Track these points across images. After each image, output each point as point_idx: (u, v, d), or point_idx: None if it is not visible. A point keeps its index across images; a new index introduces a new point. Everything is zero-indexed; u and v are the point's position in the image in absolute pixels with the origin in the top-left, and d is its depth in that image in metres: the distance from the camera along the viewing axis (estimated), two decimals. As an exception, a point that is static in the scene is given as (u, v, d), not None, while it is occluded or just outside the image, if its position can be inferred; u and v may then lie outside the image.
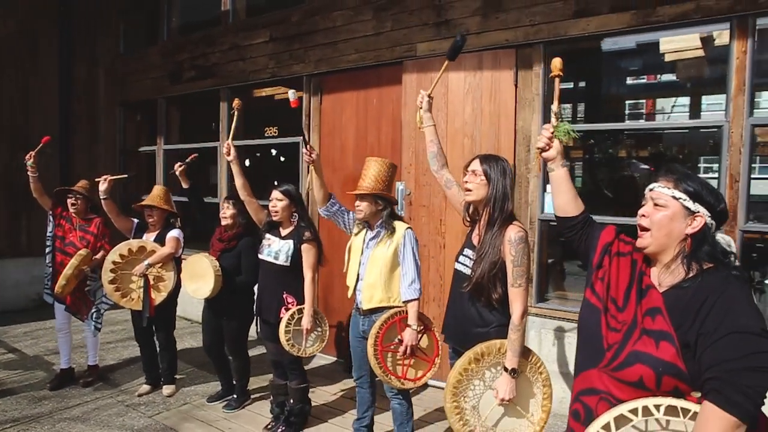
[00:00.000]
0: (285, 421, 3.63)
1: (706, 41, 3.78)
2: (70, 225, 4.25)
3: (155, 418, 3.81)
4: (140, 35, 7.10)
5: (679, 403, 1.41)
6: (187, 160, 3.99)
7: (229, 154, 3.61)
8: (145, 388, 4.24)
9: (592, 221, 1.87)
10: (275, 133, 5.68)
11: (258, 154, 6.05)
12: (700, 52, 4.21)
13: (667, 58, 4.65)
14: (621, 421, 1.45)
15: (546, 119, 3.94)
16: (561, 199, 1.87)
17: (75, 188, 4.25)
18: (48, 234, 4.30)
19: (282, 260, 3.43)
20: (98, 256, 4.20)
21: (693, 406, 1.40)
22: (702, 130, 6.00)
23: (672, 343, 1.44)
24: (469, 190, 2.40)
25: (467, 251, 2.46)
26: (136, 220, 4.24)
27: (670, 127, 6.12)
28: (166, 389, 4.23)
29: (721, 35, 3.57)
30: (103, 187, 3.98)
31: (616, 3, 3.53)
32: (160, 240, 4.07)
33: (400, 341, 2.92)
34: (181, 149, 6.58)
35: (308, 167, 5.04)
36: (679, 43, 4.12)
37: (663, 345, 1.45)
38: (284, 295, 3.46)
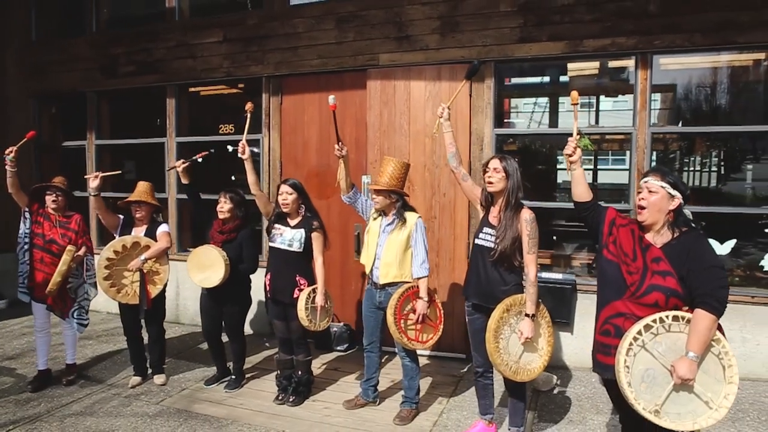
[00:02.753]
0: (294, 391, 4.06)
1: (616, 69, 4.93)
2: (50, 222, 4.18)
3: (162, 404, 4.00)
4: (56, 23, 6.70)
5: (679, 313, 2.28)
6: (195, 158, 4.19)
7: (243, 153, 3.92)
8: (136, 379, 4.35)
9: (599, 205, 2.70)
10: (231, 130, 5.86)
11: (212, 150, 6.15)
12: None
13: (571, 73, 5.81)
14: (646, 328, 2.28)
15: (495, 123, 4.80)
16: (579, 189, 2.68)
17: (55, 184, 4.19)
18: (24, 231, 4.16)
19: (296, 247, 3.86)
20: (80, 252, 4.20)
21: (686, 315, 2.27)
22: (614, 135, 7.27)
23: (674, 277, 2.30)
24: (492, 183, 3.12)
25: (486, 229, 3.18)
26: (122, 216, 4.31)
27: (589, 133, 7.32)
28: (158, 378, 4.38)
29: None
30: (94, 183, 4.02)
31: (553, 33, 4.49)
32: (150, 235, 4.21)
33: (413, 310, 3.56)
34: (118, 144, 6.44)
35: (270, 164, 5.44)
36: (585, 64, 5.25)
37: (668, 279, 2.31)
38: (297, 278, 3.89)
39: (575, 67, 5.45)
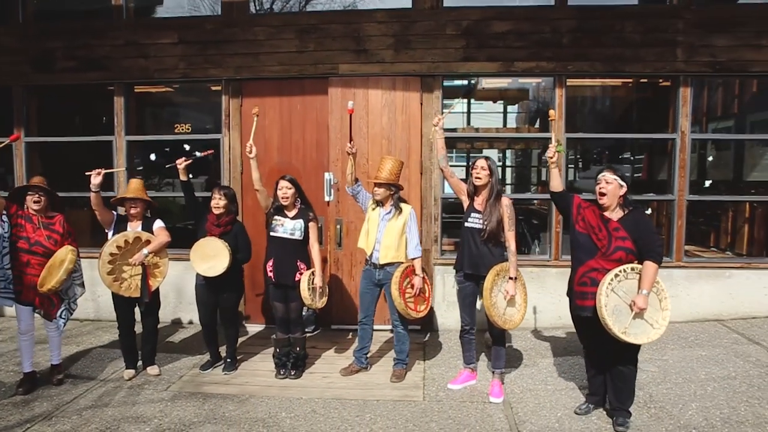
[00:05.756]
0: (293, 366, 4.53)
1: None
2: (32, 224, 4.12)
3: (171, 390, 4.22)
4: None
5: (634, 266, 3.31)
6: (198, 155, 4.41)
7: (251, 152, 4.29)
8: (130, 372, 4.46)
9: (568, 193, 3.67)
10: (188, 130, 5.97)
11: (167, 149, 6.15)
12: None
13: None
14: (615, 276, 3.27)
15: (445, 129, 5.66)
16: (555, 182, 3.64)
17: (37, 185, 4.15)
18: (2, 234, 4.05)
19: (297, 236, 4.35)
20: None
21: (637, 266, 3.31)
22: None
23: (630, 240, 3.33)
24: (479, 178, 3.95)
25: (474, 215, 4.00)
26: (115, 213, 4.39)
27: (514, 137, 8.29)
28: (152, 369, 4.53)
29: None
30: (96, 180, 4.10)
31: (490, 55, 5.47)
32: (146, 230, 4.37)
33: (411, 285, 4.28)
34: (54, 142, 6.18)
35: (231, 163, 5.69)
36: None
37: (626, 241, 3.33)
38: (298, 263, 4.38)
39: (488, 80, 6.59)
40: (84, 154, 6.20)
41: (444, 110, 5.48)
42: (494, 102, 8.92)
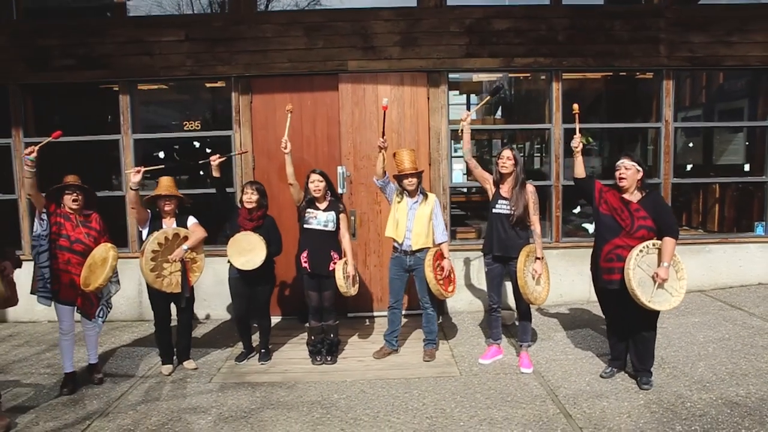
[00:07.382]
0: (328, 352, 4.74)
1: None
2: (71, 222, 4.14)
3: (215, 382, 4.34)
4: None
5: (654, 242, 3.72)
6: (232, 154, 4.50)
7: (286, 148, 4.43)
8: (169, 367, 4.54)
9: (591, 179, 4.05)
10: (197, 127, 5.98)
11: (176, 147, 6.11)
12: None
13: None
14: (640, 252, 3.67)
15: (449, 120, 5.96)
16: (579, 170, 4.01)
17: (75, 183, 4.15)
18: (41, 233, 4.04)
19: (330, 227, 4.54)
20: (105, 249, 4.24)
21: (658, 243, 3.72)
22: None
23: (650, 219, 3.74)
24: (505, 167, 4.27)
25: (501, 201, 4.32)
26: (149, 211, 4.44)
27: (514, 128, 8.51)
28: (189, 364, 4.63)
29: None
30: (136, 178, 4.14)
31: (492, 51, 5.80)
32: (181, 226, 4.45)
33: (441, 268, 4.57)
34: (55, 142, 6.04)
35: (242, 158, 5.78)
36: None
37: (647, 220, 3.74)
38: (332, 253, 4.58)
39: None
40: (85, 153, 6.11)
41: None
42: (474, 94, 9.30)
